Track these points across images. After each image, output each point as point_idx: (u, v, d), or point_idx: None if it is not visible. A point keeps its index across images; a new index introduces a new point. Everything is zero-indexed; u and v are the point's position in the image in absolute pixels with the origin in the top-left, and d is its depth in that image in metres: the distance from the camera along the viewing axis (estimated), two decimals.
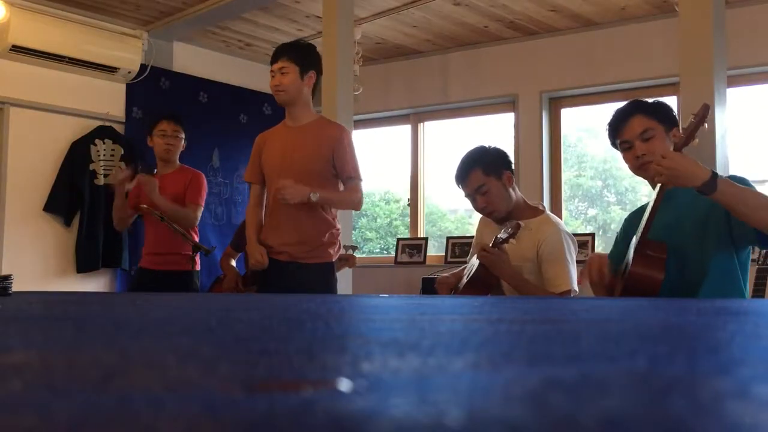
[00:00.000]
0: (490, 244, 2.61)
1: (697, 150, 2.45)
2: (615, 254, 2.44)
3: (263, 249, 3.17)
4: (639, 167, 2.31)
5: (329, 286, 3.19)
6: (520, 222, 2.58)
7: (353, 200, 3.25)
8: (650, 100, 2.43)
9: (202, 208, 4.16)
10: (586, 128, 6.12)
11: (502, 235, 2.58)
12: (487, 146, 2.86)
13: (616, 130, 2.36)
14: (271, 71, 3.18)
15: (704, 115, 2.14)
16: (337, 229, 3.24)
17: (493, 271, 2.62)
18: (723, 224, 2.18)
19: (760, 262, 3.34)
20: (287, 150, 3.17)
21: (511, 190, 2.78)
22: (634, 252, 2.19)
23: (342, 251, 3.75)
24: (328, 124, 3.32)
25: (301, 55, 3.17)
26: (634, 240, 2.25)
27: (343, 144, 3.17)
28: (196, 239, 4.06)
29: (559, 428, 0.33)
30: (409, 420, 0.34)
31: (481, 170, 2.74)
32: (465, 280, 2.76)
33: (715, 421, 0.35)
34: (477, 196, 2.76)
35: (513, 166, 2.86)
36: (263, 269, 3.18)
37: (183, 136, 4.18)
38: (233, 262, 4.50)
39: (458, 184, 2.82)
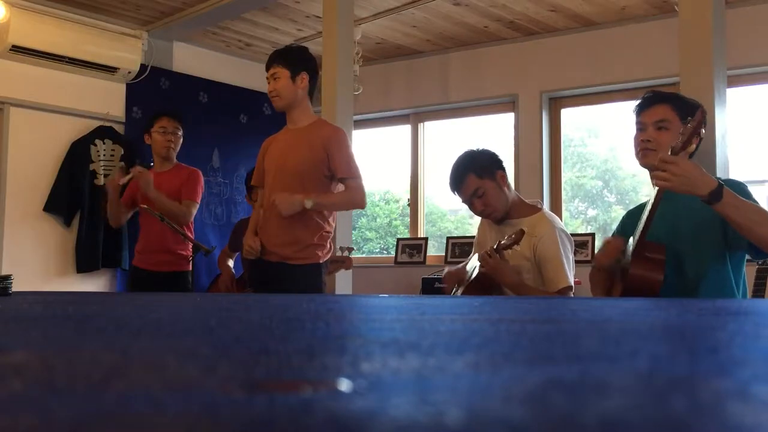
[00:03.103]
0: (494, 248, 2.62)
1: (696, 151, 2.45)
2: None
3: (258, 239, 3.19)
4: (641, 152, 2.31)
5: (315, 288, 3.18)
6: (523, 228, 2.59)
7: (353, 200, 3.24)
8: (687, 97, 2.44)
9: (198, 205, 4.16)
10: (587, 128, 6.12)
11: (505, 241, 2.59)
12: (475, 149, 2.87)
13: (640, 110, 2.36)
14: (267, 79, 3.22)
15: (701, 119, 2.13)
16: (328, 231, 3.23)
17: (494, 277, 2.63)
18: (719, 227, 2.18)
19: (760, 263, 3.34)
20: (284, 152, 3.18)
21: (506, 189, 2.80)
22: (633, 254, 2.19)
23: (339, 253, 3.74)
24: (324, 125, 3.32)
25: (291, 58, 3.20)
26: (632, 241, 2.25)
27: (336, 144, 3.16)
28: (191, 236, 4.07)
29: (559, 428, 0.33)
30: (409, 420, 0.34)
31: (475, 174, 2.76)
32: (467, 280, 2.78)
33: (716, 422, 0.35)
34: (474, 200, 2.78)
35: (504, 165, 2.86)
36: (256, 257, 3.19)
37: (181, 133, 4.18)
38: (231, 263, 4.50)
39: (454, 192, 2.84)
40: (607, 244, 2.37)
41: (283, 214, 3.06)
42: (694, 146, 2.18)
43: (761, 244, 2.07)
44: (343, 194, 3.20)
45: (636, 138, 2.35)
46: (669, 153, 2.11)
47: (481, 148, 2.89)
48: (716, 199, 1.99)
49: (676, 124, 2.28)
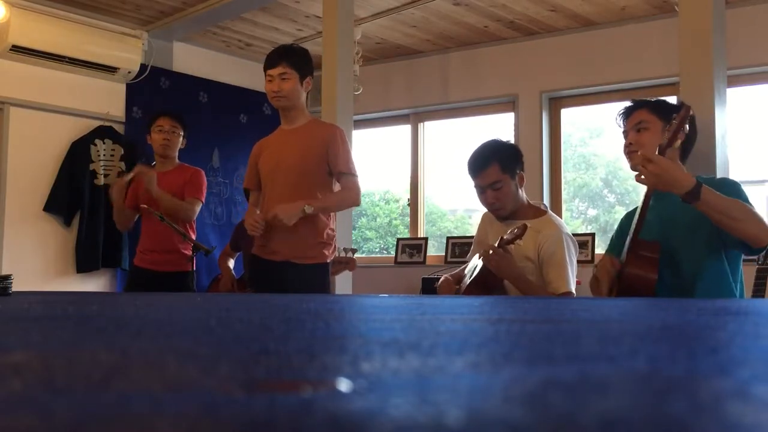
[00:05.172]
0: (496, 245, 2.60)
1: (696, 150, 2.47)
2: (612, 253, 2.46)
3: (260, 213, 3.15)
4: (627, 156, 2.42)
5: (323, 287, 3.18)
6: (526, 223, 2.57)
7: (350, 198, 3.24)
8: (665, 99, 2.50)
9: (201, 204, 4.16)
10: (590, 128, 6.12)
11: (508, 236, 2.57)
12: (504, 141, 2.86)
13: (623, 120, 2.47)
14: (269, 75, 3.15)
15: (685, 115, 2.16)
16: (333, 229, 3.23)
17: (498, 272, 2.60)
18: (712, 225, 2.19)
19: (759, 262, 3.34)
20: (281, 153, 3.18)
21: (521, 190, 2.78)
22: (627, 253, 2.20)
23: (342, 254, 3.73)
24: (321, 124, 3.35)
25: (301, 61, 3.18)
26: (628, 240, 2.26)
27: (335, 141, 3.16)
28: (193, 237, 4.07)
29: (559, 428, 0.33)
30: (409, 420, 0.34)
31: (499, 166, 2.73)
32: (468, 280, 2.75)
33: (715, 422, 0.35)
34: (489, 190, 2.74)
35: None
36: (260, 233, 3.14)
37: (182, 133, 4.18)
38: (231, 263, 4.50)
39: (472, 175, 2.78)
40: (601, 267, 2.36)
41: (287, 225, 3.02)
42: (679, 142, 2.21)
43: (745, 239, 2.09)
44: (341, 194, 3.19)
45: (624, 145, 2.45)
46: (657, 151, 2.14)
47: (509, 141, 2.88)
48: (694, 198, 2.02)
49: (655, 123, 2.36)
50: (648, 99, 2.49)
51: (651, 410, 0.36)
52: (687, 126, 2.23)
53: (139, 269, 4.17)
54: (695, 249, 2.24)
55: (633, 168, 2.40)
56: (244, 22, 5.38)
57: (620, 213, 5.79)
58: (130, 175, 4.00)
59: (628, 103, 2.49)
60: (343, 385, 0.44)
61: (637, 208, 2.52)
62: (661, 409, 0.36)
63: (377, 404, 0.38)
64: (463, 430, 0.32)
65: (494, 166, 2.72)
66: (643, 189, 2.25)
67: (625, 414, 0.36)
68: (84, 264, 5.07)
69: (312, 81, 3.24)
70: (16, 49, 4.76)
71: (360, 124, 5.83)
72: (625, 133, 2.43)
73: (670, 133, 2.16)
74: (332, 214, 3.25)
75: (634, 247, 2.20)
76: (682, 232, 2.26)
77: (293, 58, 3.16)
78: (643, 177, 2.10)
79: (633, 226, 2.22)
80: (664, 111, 2.38)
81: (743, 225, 2.06)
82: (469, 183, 2.83)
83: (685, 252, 2.25)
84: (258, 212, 3.17)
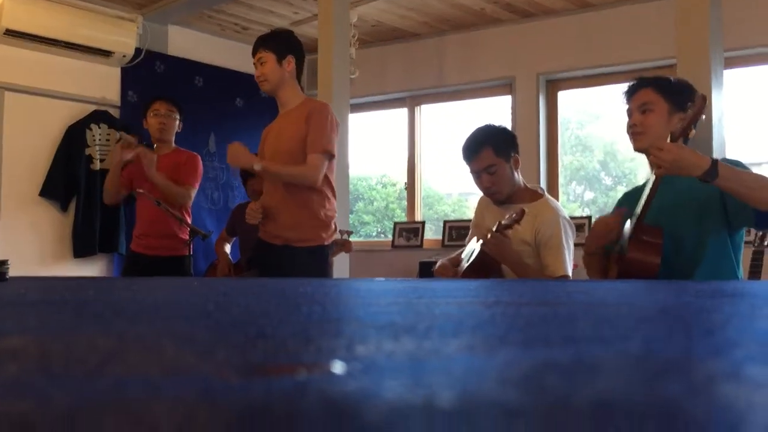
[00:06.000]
0: (494, 229, 2.60)
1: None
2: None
3: (259, 206, 3.21)
4: (631, 137, 2.37)
5: (322, 270, 3.19)
6: (524, 208, 2.57)
7: (304, 174, 3.12)
8: (671, 78, 2.46)
9: (196, 190, 4.16)
10: (587, 111, 6.11)
11: (506, 221, 2.57)
12: (497, 125, 2.85)
13: (628, 98, 2.41)
14: (253, 64, 3.24)
15: (701, 106, 2.15)
16: (330, 210, 3.22)
17: (495, 255, 2.61)
18: (719, 207, 2.20)
19: (756, 245, 3.35)
20: (278, 136, 3.21)
21: (516, 172, 2.78)
22: (630, 237, 2.20)
23: (338, 236, 3.74)
24: (312, 102, 3.34)
25: (276, 42, 3.21)
26: (628, 224, 2.26)
27: (315, 116, 3.14)
28: (189, 221, 4.07)
29: (554, 410, 0.33)
30: (404, 402, 0.34)
31: (493, 150, 2.72)
32: (465, 264, 2.76)
33: (710, 403, 0.35)
34: (484, 175, 2.74)
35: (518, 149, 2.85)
36: (258, 222, 3.21)
37: (178, 117, 4.17)
38: (228, 248, 4.50)
39: (466, 161, 2.78)
40: (599, 224, 2.37)
41: (231, 164, 3.21)
42: (693, 132, 2.19)
43: (763, 206, 2.07)
44: (297, 167, 3.13)
45: (627, 124, 2.40)
46: (669, 139, 2.13)
47: (502, 125, 2.87)
48: (712, 176, 2.01)
49: (660, 104, 2.32)
50: (654, 77, 2.44)
51: (646, 392, 0.36)
52: (704, 116, 2.22)
53: (136, 254, 4.17)
54: (699, 233, 2.24)
55: (637, 149, 2.38)
56: (239, 5, 5.35)
57: (619, 192, 5.80)
58: (132, 155, 3.99)
59: (632, 81, 2.45)
60: (338, 367, 0.44)
61: (636, 189, 2.51)
62: (656, 390, 0.37)
63: (371, 386, 0.38)
64: (457, 413, 0.33)
65: (487, 150, 2.72)
66: (643, 171, 2.25)
67: (620, 396, 0.36)
68: (81, 249, 5.07)
69: (295, 60, 3.23)
70: (10, 33, 4.73)
71: (356, 107, 5.81)
72: (629, 111, 2.38)
73: (685, 122, 2.14)
74: (329, 195, 3.23)
75: (637, 231, 2.20)
76: (687, 215, 2.26)
77: (267, 41, 3.22)
78: (657, 167, 2.09)
79: (637, 210, 2.22)
80: (669, 91, 2.34)
81: (759, 193, 2.05)
82: (466, 167, 2.83)
83: (687, 235, 2.25)
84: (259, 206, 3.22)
